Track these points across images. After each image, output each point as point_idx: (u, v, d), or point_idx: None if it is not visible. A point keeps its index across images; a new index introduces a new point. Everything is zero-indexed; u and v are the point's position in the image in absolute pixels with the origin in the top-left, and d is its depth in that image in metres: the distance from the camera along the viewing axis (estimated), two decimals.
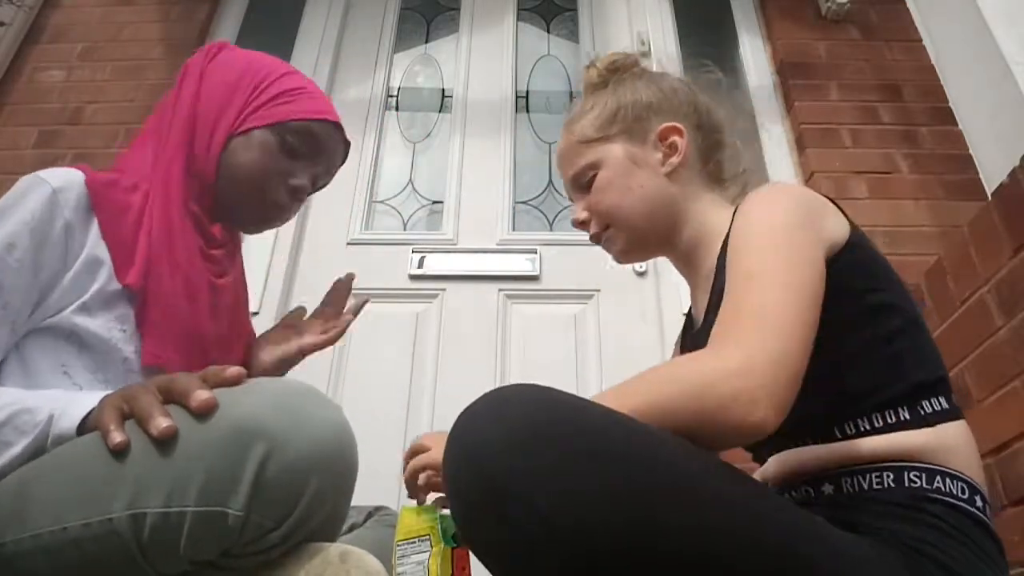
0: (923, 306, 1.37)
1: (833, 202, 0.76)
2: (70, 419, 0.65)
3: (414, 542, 0.74)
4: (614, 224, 0.87)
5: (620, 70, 0.93)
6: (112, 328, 0.80)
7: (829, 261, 0.70)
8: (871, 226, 1.82)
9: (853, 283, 0.71)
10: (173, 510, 0.55)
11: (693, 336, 0.89)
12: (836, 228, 0.73)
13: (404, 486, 0.83)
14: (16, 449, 0.64)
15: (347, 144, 1.01)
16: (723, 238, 0.78)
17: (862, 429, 0.68)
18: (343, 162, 1.02)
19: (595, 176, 0.87)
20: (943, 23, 2.02)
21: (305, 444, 0.57)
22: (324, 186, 1.01)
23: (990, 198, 1.22)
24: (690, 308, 0.92)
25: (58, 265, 0.78)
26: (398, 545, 0.73)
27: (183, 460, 0.56)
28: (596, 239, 0.91)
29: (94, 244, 0.81)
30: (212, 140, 0.91)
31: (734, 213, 0.76)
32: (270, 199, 0.93)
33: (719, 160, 0.90)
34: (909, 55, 2.13)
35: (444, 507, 0.78)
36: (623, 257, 0.91)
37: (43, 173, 0.80)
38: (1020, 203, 1.11)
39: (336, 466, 0.59)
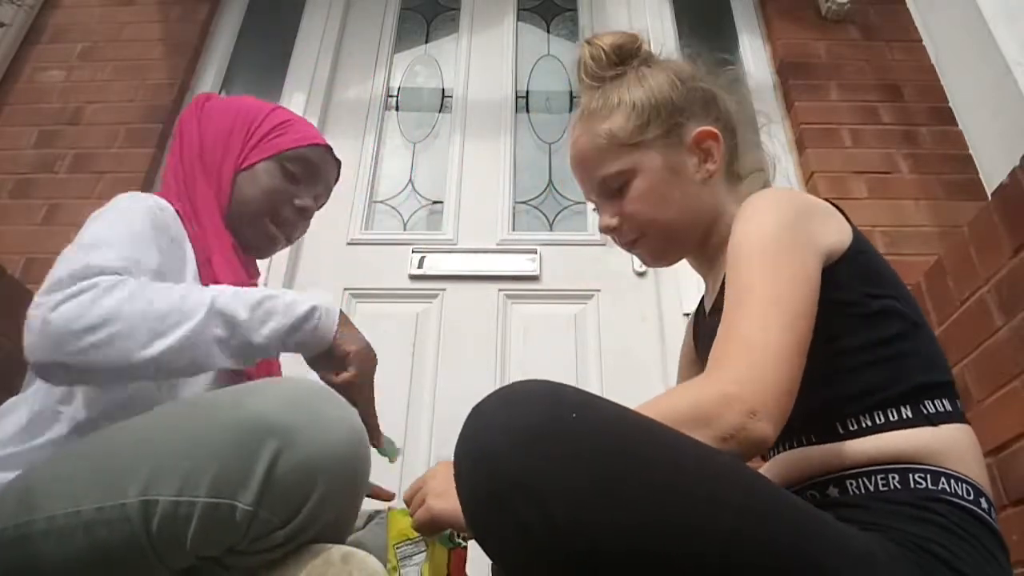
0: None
1: (837, 208, 0.76)
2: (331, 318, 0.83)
3: (408, 544, 0.74)
4: (650, 234, 0.85)
5: (628, 57, 0.87)
6: None
7: (830, 267, 0.70)
8: (871, 226, 1.82)
9: (855, 289, 0.71)
10: (184, 499, 0.56)
11: (706, 324, 0.89)
12: (837, 234, 0.73)
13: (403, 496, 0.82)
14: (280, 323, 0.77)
15: (338, 163, 1.10)
16: None
17: (864, 426, 0.68)
18: (336, 180, 1.12)
19: (628, 183, 0.83)
20: (943, 23, 2.02)
21: (317, 443, 0.58)
22: (324, 204, 1.11)
23: (990, 198, 1.22)
24: (703, 297, 0.93)
25: (176, 265, 0.86)
26: (396, 547, 0.73)
27: (198, 451, 0.58)
28: (628, 246, 0.88)
29: (192, 267, 0.88)
30: (221, 180, 0.98)
31: None
32: (280, 219, 1.01)
33: (739, 158, 0.89)
34: (909, 55, 2.13)
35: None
36: (654, 263, 0.90)
37: (135, 194, 0.89)
38: (1020, 203, 1.12)
39: (347, 467, 0.60)
